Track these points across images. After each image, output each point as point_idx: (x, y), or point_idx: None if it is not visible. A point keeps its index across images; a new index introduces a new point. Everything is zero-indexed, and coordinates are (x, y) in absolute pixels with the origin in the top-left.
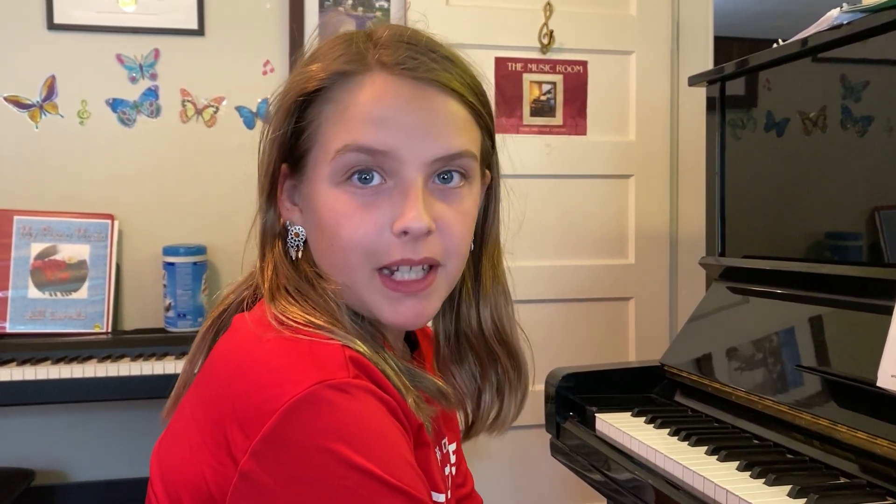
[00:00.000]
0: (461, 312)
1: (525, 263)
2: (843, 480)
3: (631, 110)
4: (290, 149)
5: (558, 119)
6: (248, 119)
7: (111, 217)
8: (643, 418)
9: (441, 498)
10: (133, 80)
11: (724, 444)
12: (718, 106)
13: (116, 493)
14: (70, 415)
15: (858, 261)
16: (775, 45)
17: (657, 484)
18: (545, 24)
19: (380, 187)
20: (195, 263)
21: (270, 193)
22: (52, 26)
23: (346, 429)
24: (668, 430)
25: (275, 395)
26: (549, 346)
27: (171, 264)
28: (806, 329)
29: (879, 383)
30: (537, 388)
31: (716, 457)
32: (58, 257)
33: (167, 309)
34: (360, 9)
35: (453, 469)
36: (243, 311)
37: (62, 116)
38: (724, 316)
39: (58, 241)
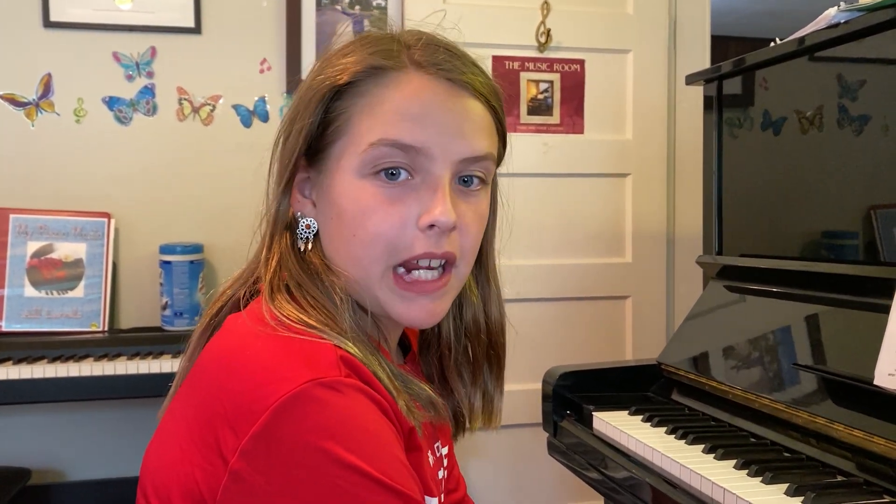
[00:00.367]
0: (466, 314)
1: (522, 262)
2: (839, 479)
3: (628, 109)
4: (312, 140)
5: (555, 118)
6: (245, 117)
7: (108, 215)
8: (640, 417)
9: (434, 501)
10: (129, 78)
11: (721, 443)
12: (715, 105)
13: (113, 492)
14: (66, 414)
15: (855, 259)
16: (772, 45)
17: (654, 482)
18: (542, 22)
19: (406, 183)
20: (192, 262)
21: (288, 184)
22: (48, 24)
23: (337, 427)
24: (665, 429)
25: (265, 394)
26: (546, 344)
27: (168, 263)
28: (803, 327)
29: (876, 382)
30: (534, 386)
31: (713, 455)
32: (54, 256)
33: (164, 307)
34: (357, 7)
35: (445, 473)
36: (238, 309)
37: (58, 115)
38: (721, 314)
39: (54, 240)
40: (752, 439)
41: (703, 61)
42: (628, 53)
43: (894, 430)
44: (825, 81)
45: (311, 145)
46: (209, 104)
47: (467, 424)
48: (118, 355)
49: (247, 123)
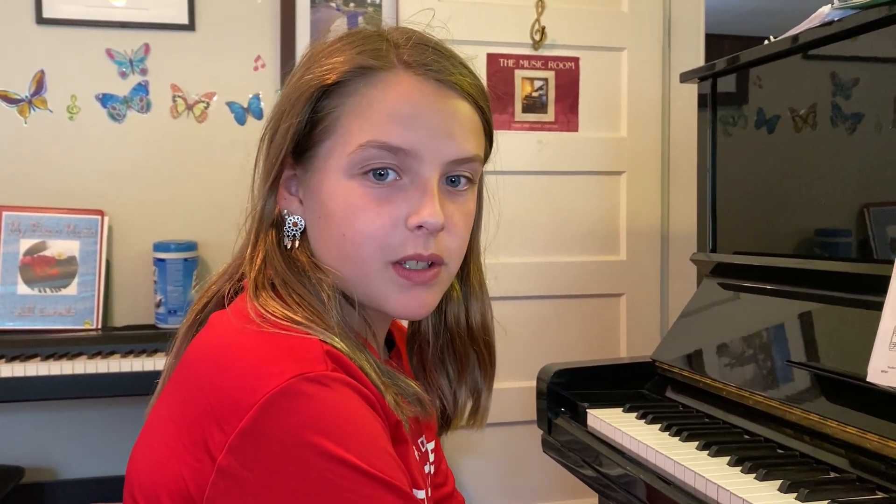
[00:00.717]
0: (448, 311)
1: (516, 260)
2: (833, 475)
3: (623, 107)
4: (300, 138)
5: (550, 115)
6: (240, 115)
7: (101, 213)
8: (634, 414)
9: (421, 494)
10: (123, 75)
11: (715, 440)
12: (710, 103)
13: (107, 490)
14: (60, 412)
15: (848, 257)
16: (766, 43)
17: (648, 479)
18: (537, 20)
19: (394, 183)
20: (186, 259)
21: (275, 182)
22: (41, 20)
23: (325, 421)
24: (659, 426)
25: (252, 390)
26: (540, 342)
27: (162, 260)
28: (796, 325)
29: (869, 378)
30: (528, 384)
31: (707, 452)
32: (47, 253)
33: (157, 305)
34: (352, 4)
35: (432, 468)
36: (223, 306)
37: (51, 111)
38: (715, 312)
39: (47, 237)
40: (746, 436)
41: (697, 59)
42: (623, 51)
43: (887, 427)
44: (819, 80)
45: (298, 144)
46: (203, 101)
47: (452, 420)
48: (112, 353)
49: (241, 121)
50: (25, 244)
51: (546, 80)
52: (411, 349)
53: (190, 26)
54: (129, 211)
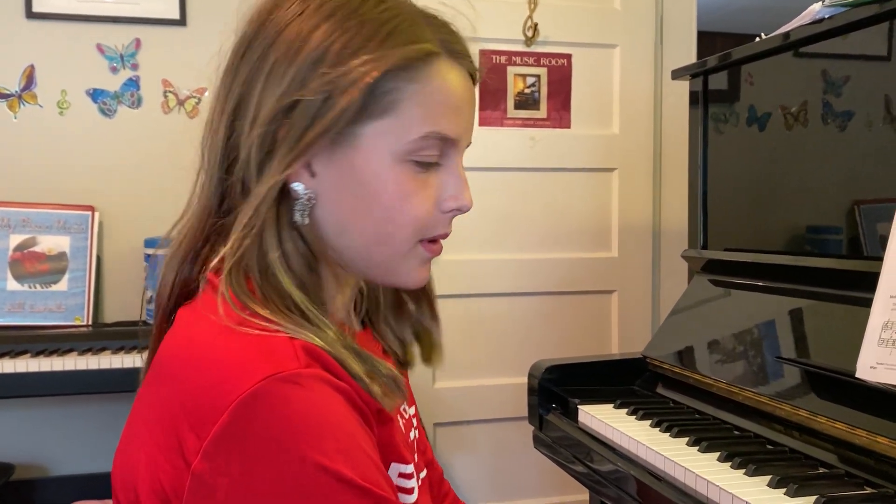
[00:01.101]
0: None
1: (509, 256)
2: (822, 470)
3: (615, 104)
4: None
5: (542, 112)
6: None
7: (91, 209)
8: (625, 410)
9: (409, 469)
10: (114, 70)
11: (705, 436)
12: (701, 100)
13: (97, 487)
14: (50, 408)
15: (838, 254)
16: (757, 40)
17: (639, 475)
18: (530, 16)
19: (431, 167)
20: None
21: (302, 153)
22: (31, 15)
23: (300, 423)
24: (649, 422)
25: (223, 392)
26: (532, 338)
27: (153, 256)
28: (786, 321)
29: (858, 374)
30: (520, 380)
31: (697, 448)
32: (37, 249)
33: (149, 301)
34: None
35: (416, 432)
36: (188, 296)
37: (41, 106)
38: (705, 308)
39: (37, 233)
40: (736, 432)
41: (689, 56)
42: (615, 48)
43: (876, 423)
44: (810, 77)
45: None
46: (195, 97)
47: (408, 364)
48: (103, 349)
49: None
50: (15, 240)
51: (538, 76)
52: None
53: (181, 21)
54: (120, 207)
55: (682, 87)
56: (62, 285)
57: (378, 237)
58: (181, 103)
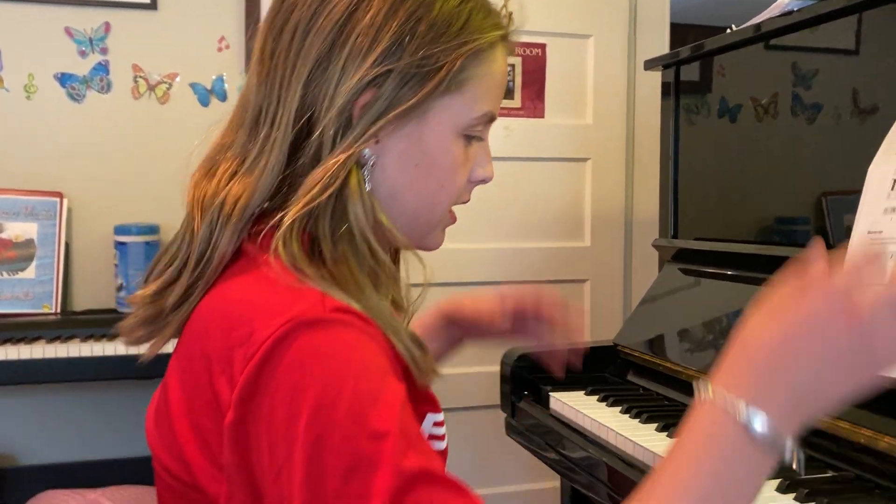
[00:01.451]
0: None
1: (482, 245)
2: None
3: (588, 94)
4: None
5: (517, 101)
6: (203, 96)
7: (60, 195)
8: (596, 396)
9: (441, 417)
10: (83, 54)
11: (674, 422)
12: (673, 90)
13: (67, 476)
14: (18, 397)
15: (805, 243)
16: (728, 31)
17: (610, 461)
18: (504, 6)
19: (473, 139)
20: (147, 243)
21: (384, 125)
22: None
23: (321, 367)
24: (619, 408)
25: (249, 341)
26: None
27: (123, 244)
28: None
29: None
30: (493, 368)
31: (666, 433)
32: (4, 236)
33: (118, 289)
34: None
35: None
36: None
37: (8, 90)
38: (675, 297)
39: (4, 220)
40: None
41: (662, 47)
42: (589, 38)
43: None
44: (780, 70)
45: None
46: (165, 82)
47: None
48: (71, 337)
49: (204, 102)
50: None
51: (513, 66)
52: None
53: (152, 5)
54: (89, 193)
55: (655, 78)
56: (30, 273)
57: (429, 202)
58: (152, 89)
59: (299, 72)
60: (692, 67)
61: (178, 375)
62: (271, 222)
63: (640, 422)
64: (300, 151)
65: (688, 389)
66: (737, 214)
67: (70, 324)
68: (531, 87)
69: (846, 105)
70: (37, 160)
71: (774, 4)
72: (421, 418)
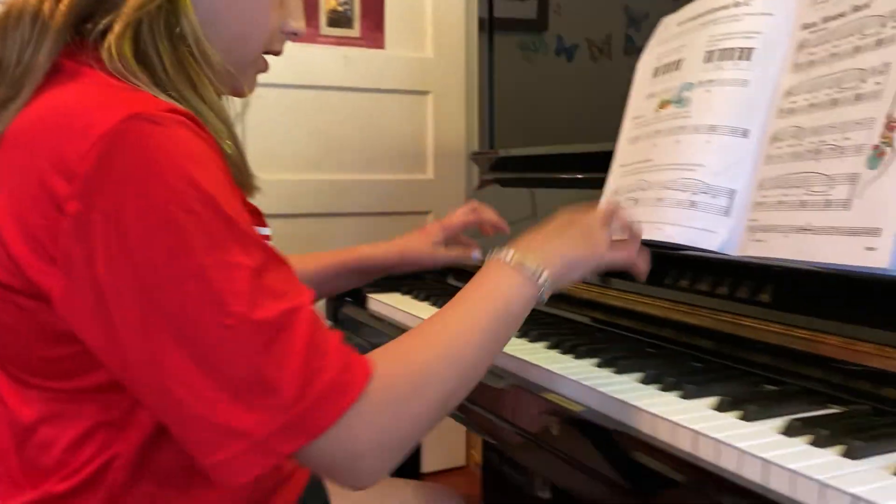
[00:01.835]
0: None
1: (324, 176)
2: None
3: (428, 27)
4: None
5: (356, 31)
6: None
7: None
8: (410, 295)
9: (269, 231)
10: None
11: None
12: (488, 20)
13: None
14: None
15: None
16: None
17: None
18: None
19: None
20: None
21: None
22: None
23: (165, 154)
24: (429, 302)
25: (87, 136)
26: None
27: None
28: (555, 204)
29: None
30: None
31: None
32: None
33: None
34: None
35: None
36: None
37: None
38: (492, 202)
39: None
40: None
41: None
42: None
43: (618, 282)
44: (613, 11)
45: None
46: None
47: None
48: None
49: None
50: None
51: None
52: None
53: None
54: None
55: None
56: None
57: (243, 35)
58: None
59: None
60: (528, 5)
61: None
62: (93, 33)
63: None
64: None
65: None
66: (557, 134)
67: None
68: (370, 17)
69: None
70: None
71: None
72: None
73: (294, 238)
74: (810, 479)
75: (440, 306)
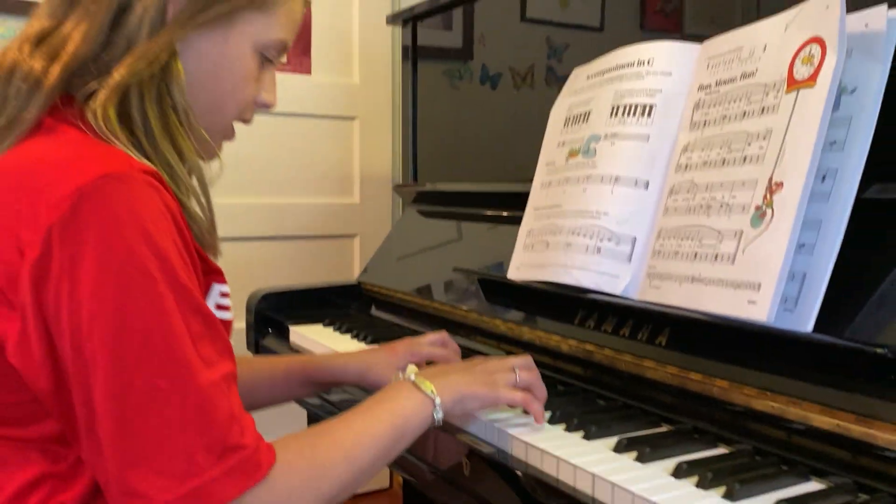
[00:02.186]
0: None
1: (251, 201)
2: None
3: (355, 52)
4: None
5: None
6: None
7: None
8: (332, 328)
9: (227, 288)
10: None
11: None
12: (411, 47)
13: None
14: None
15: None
16: None
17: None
18: None
19: (266, 63)
20: None
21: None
22: None
23: (127, 217)
24: (350, 335)
25: (58, 189)
26: (275, 282)
27: None
28: (476, 241)
29: (508, 275)
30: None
31: None
32: None
33: None
34: None
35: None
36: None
37: None
38: (413, 236)
39: None
40: None
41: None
42: None
43: (531, 319)
44: (537, 43)
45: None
46: None
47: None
48: None
49: None
50: None
51: None
52: None
53: None
54: None
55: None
56: None
57: (219, 104)
58: None
59: None
60: (455, 34)
61: None
62: (82, 93)
63: (366, 343)
64: (115, 31)
65: (419, 317)
66: (479, 164)
67: None
68: (297, 43)
69: None
70: None
71: None
72: (208, 288)
73: (224, 262)
74: None
75: (362, 339)
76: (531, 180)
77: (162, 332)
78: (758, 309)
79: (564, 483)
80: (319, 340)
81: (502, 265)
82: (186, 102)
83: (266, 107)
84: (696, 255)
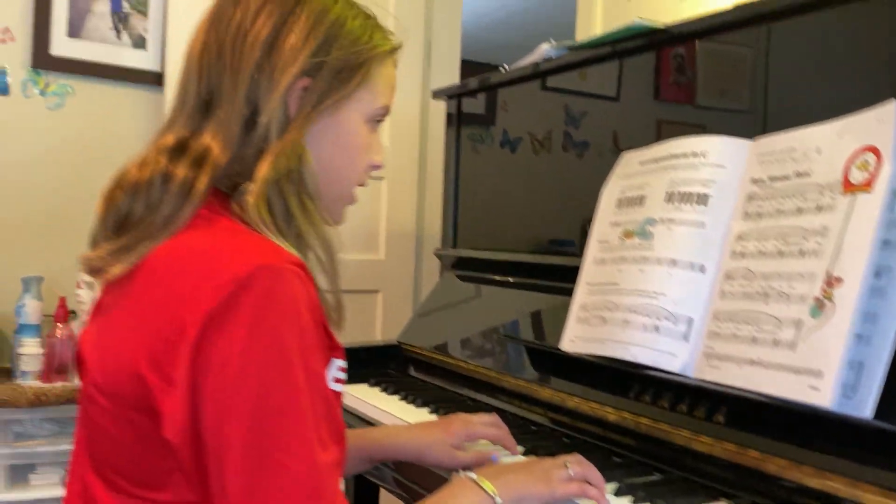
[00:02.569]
0: None
1: None
2: (533, 429)
3: (386, 121)
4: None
5: None
6: None
7: None
8: (378, 388)
9: (344, 364)
10: None
11: (443, 405)
12: (456, 118)
13: None
14: None
15: (565, 253)
16: (501, 70)
17: None
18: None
19: (375, 129)
20: None
21: (321, 112)
22: None
23: (280, 310)
24: (398, 396)
25: (220, 276)
26: None
27: None
28: (517, 308)
29: (560, 346)
30: None
31: (436, 415)
32: None
33: None
34: None
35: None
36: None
37: None
38: (453, 300)
39: None
40: (470, 401)
41: (453, 80)
42: None
43: (580, 389)
44: (555, 110)
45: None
46: None
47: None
48: None
49: None
50: None
51: None
52: None
53: None
54: None
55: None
56: None
57: (342, 177)
58: None
59: (247, 59)
60: (478, 101)
61: (127, 312)
62: (229, 186)
63: (414, 406)
64: (248, 135)
65: (460, 379)
66: (511, 231)
67: None
68: None
69: (607, 144)
70: None
71: (535, 50)
72: (328, 362)
73: None
74: None
75: (411, 402)
76: (549, 251)
77: (297, 415)
78: (820, 395)
79: None
80: (367, 399)
81: (543, 333)
82: (317, 185)
83: (377, 168)
84: (754, 339)
